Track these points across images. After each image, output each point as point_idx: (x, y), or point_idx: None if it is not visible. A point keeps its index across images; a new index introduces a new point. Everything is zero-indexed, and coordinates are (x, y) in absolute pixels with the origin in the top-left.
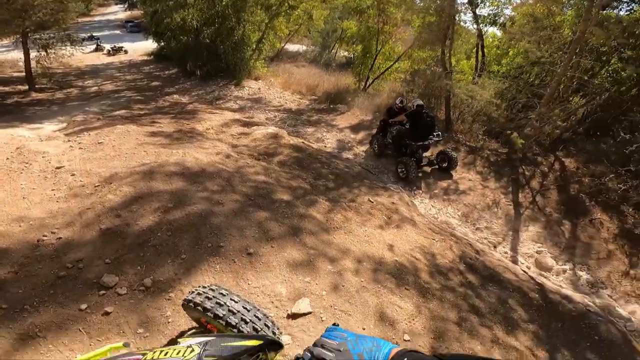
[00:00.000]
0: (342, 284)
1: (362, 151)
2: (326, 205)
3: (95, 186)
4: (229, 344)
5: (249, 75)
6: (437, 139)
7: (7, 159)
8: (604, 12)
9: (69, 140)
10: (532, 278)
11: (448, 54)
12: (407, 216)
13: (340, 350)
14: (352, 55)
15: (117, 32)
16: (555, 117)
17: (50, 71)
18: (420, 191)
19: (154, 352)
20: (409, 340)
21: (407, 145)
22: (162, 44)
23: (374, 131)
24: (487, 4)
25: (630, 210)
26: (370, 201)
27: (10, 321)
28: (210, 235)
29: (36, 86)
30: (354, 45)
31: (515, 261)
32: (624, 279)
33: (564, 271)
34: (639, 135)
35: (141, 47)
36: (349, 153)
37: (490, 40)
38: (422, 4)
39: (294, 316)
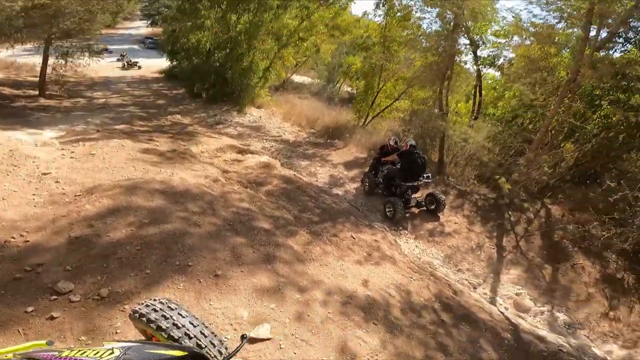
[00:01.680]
0: (307, 314)
1: (353, 188)
2: (306, 238)
3: (75, 195)
4: (152, 351)
5: (252, 102)
6: (426, 180)
7: None
8: (599, 53)
9: (62, 149)
10: (507, 318)
11: (445, 95)
12: (387, 254)
13: None
14: (354, 91)
15: (136, 47)
16: (544, 164)
17: (63, 79)
18: (406, 231)
19: (71, 351)
20: None
21: (398, 186)
22: (175, 63)
23: (367, 169)
24: (489, 45)
25: (613, 256)
26: (353, 237)
27: None
28: (180, 254)
29: (46, 92)
30: (357, 81)
31: (493, 302)
32: (602, 320)
33: (542, 312)
34: (624, 184)
35: (155, 64)
36: (340, 189)
37: (489, 82)
38: (425, 43)
39: (251, 340)
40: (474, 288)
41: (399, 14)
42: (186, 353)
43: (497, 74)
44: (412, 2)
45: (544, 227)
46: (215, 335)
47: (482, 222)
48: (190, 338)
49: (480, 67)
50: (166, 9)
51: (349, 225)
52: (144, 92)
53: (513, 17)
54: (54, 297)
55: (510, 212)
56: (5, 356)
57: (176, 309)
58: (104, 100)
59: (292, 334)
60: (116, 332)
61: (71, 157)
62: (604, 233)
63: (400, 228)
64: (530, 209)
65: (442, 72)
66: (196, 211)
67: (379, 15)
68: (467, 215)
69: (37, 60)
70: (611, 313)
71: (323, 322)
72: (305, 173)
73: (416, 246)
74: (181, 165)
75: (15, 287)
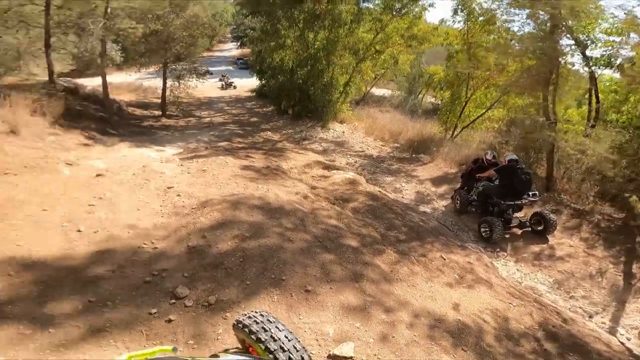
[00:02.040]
0: (392, 335)
1: (442, 206)
2: (393, 257)
3: (192, 208)
4: None
5: (335, 117)
6: (533, 199)
7: (134, 174)
8: None
9: (181, 165)
10: (629, 350)
11: (552, 102)
12: (483, 277)
13: None
14: (439, 102)
15: (230, 68)
16: None
17: (178, 100)
18: (505, 253)
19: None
20: None
21: (496, 204)
22: (263, 82)
23: (458, 185)
24: (599, 44)
25: None
26: (443, 258)
27: (90, 313)
28: (276, 268)
29: (167, 112)
30: (441, 91)
31: (613, 332)
32: None
33: None
34: None
35: (247, 84)
36: (427, 206)
37: (606, 84)
38: (518, 47)
39: (334, 357)
40: (590, 317)
41: (480, 18)
42: None
43: (616, 74)
44: (495, 5)
45: None
46: (306, 351)
47: (605, 245)
48: (284, 351)
49: (593, 68)
50: (252, 31)
51: (438, 245)
52: (240, 111)
53: (625, 14)
54: (173, 301)
55: None
56: None
57: (274, 322)
58: (209, 119)
59: (375, 355)
60: (217, 339)
61: (188, 173)
62: None
63: (498, 250)
64: None
65: (545, 77)
66: (289, 227)
67: (459, 22)
68: (586, 238)
69: (158, 83)
70: None
71: (408, 344)
72: (391, 189)
73: (517, 270)
74: (274, 181)
75: (144, 289)
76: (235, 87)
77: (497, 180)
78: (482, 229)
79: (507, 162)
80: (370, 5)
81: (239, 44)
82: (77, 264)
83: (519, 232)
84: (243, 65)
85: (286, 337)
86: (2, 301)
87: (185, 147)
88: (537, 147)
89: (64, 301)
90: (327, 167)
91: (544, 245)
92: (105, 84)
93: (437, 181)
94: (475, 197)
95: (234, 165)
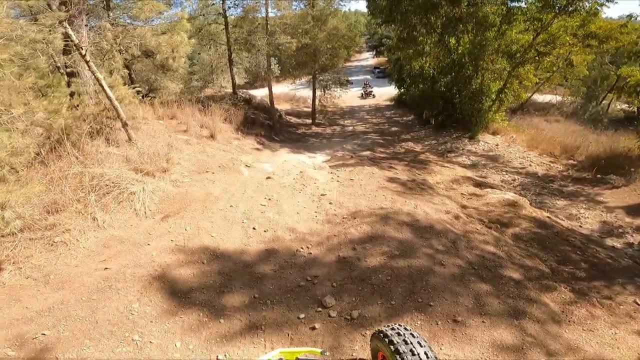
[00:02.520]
0: None
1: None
2: (567, 296)
3: (343, 217)
4: None
5: (486, 128)
6: None
7: (294, 179)
8: None
9: (331, 172)
10: None
11: None
12: None
13: None
14: (635, 110)
15: (368, 77)
16: None
17: (325, 109)
18: None
19: None
20: None
21: None
22: (402, 90)
23: None
24: None
25: None
26: (637, 303)
27: (252, 309)
28: (424, 292)
29: (316, 121)
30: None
31: None
32: None
33: None
34: None
35: (385, 92)
36: (618, 241)
37: None
38: None
39: None
40: None
41: None
42: None
43: None
44: None
45: None
46: None
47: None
48: None
49: None
50: (387, 39)
51: (631, 288)
52: (380, 120)
53: None
54: (319, 309)
55: None
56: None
57: (417, 337)
58: (352, 127)
59: None
60: (352, 354)
61: (337, 181)
62: None
63: None
64: None
65: None
66: (440, 249)
67: None
68: None
69: (307, 93)
70: None
71: None
72: (564, 215)
73: None
74: (421, 196)
75: (296, 293)
76: (374, 96)
77: None
78: None
79: None
80: (523, 4)
81: (374, 52)
82: (250, 260)
83: None
84: (380, 74)
85: (426, 354)
86: (194, 287)
87: (332, 155)
88: None
89: (236, 294)
90: (479, 185)
91: None
92: (271, 95)
93: (633, 210)
94: None
95: (380, 177)
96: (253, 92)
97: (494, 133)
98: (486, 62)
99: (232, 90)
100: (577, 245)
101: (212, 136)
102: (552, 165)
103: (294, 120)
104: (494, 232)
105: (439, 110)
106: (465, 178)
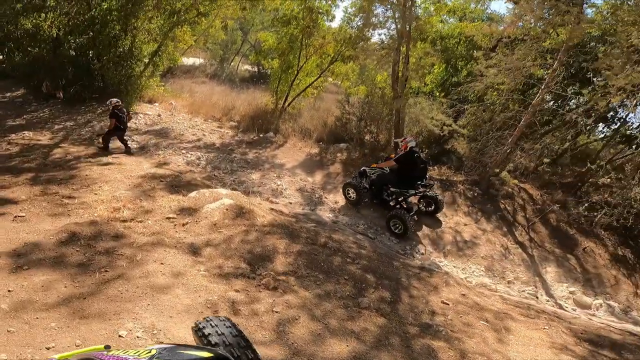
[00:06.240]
0: None
1: (334, 202)
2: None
3: None
4: (183, 351)
5: (141, 97)
6: (427, 186)
7: None
8: None
9: None
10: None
11: (400, 72)
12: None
13: None
14: (256, 70)
15: None
16: (537, 152)
17: None
18: (431, 251)
19: (117, 350)
20: None
21: (394, 193)
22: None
23: (330, 169)
24: None
25: (603, 232)
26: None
27: None
28: None
29: None
30: (270, 60)
31: (561, 307)
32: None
33: (600, 305)
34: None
35: None
36: (324, 209)
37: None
38: None
39: None
40: (536, 298)
41: None
42: (212, 355)
43: None
44: None
45: (537, 212)
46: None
47: (485, 217)
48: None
49: None
50: None
51: (410, 281)
52: None
53: None
54: None
55: (502, 201)
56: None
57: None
58: None
59: None
60: None
61: None
62: (580, 210)
63: (413, 244)
64: (515, 194)
65: None
66: None
67: None
68: (467, 212)
69: None
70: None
71: None
72: (269, 194)
73: (454, 267)
74: (111, 289)
75: None
76: None
77: (388, 169)
78: (393, 225)
79: (407, 149)
80: None
81: None
82: None
83: (416, 218)
84: None
85: (230, 333)
86: None
87: None
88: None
89: None
90: (175, 185)
91: (450, 230)
92: None
93: (306, 167)
94: (367, 186)
95: None
96: None
97: (150, 101)
98: (142, 20)
99: None
100: (335, 248)
101: None
102: (221, 130)
103: None
104: (280, 292)
105: (69, 79)
106: (150, 177)
